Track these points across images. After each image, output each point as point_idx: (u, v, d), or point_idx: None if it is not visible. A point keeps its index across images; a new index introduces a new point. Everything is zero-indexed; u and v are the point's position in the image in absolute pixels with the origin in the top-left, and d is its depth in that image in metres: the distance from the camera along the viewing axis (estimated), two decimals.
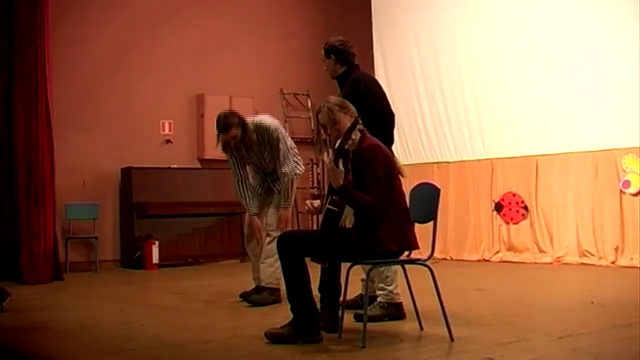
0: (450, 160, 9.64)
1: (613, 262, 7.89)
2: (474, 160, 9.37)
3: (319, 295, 4.35)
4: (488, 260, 8.98)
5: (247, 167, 5.80)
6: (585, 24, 8.25)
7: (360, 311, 4.36)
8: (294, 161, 5.76)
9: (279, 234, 4.86)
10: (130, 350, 4.10)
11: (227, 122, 5.51)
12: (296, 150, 5.90)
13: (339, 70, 5.17)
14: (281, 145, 5.61)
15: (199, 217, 9.67)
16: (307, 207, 4.41)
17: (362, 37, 10.03)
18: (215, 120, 5.64)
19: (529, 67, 8.73)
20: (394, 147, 4.99)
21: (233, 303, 5.76)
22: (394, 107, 5.17)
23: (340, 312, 4.26)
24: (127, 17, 9.70)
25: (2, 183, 7.96)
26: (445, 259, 9.29)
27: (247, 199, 5.73)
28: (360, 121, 4.04)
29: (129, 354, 4.03)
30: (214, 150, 6.20)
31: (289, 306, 4.10)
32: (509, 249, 8.92)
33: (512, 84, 8.93)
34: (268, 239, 5.60)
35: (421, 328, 4.35)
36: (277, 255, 4.24)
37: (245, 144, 5.60)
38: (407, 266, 4.28)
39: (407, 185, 4.26)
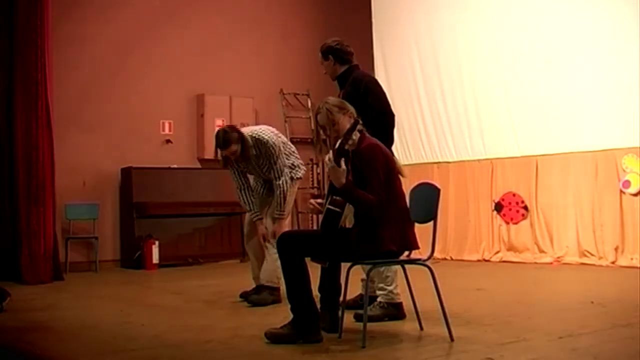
0: (450, 160, 9.64)
1: (613, 262, 7.89)
2: (474, 160, 9.37)
3: (319, 295, 4.35)
4: (488, 260, 8.98)
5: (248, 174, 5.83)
6: (585, 24, 8.25)
7: (360, 311, 4.36)
8: (296, 164, 5.78)
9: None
10: (130, 350, 4.11)
11: (227, 138, 5.48)
12: (297, 154, 5.91)
13: (338, 70, 5.17)
14: (279, 162, 5.62)
15: (199, 217, 9.66)
16: (311, 207, 4.41)
17: (362, 37, 10.04)
18: (214, 136, 5.61)
19: (529, 67, 8.73)
20: (394, 147, 5.00)
21: (233, 303, 5.76)
22: (394, 107, 5.18)
23: (340, 312, 4.26)
24: (127, 17, 9.70)
25: (2, 183, 7.97)
26: (445, 259, 9.29)
27: (251, 205, 5.74)
28: (360, 121, 4.05)
29: (129, 354, 4.03)
30: (214, 151, 6.19)
31: (289, 306, 4.10)
32: (509, 249, 8.92)
33: (512, 84, 8.92)
34: (270, 246, 5.60)
35: (421, 328, 4.35)
36: (277, 255, 4.25)
37: (245, 157, 5.60)
38: (407, 266, 4.28)
39: (407, 185, 4.26)
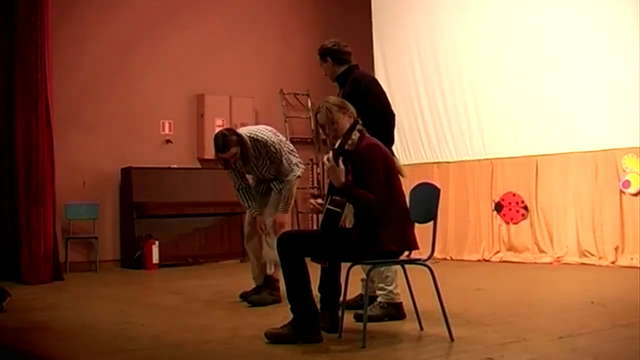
0: (450, 160, 9.64)
1: (613, 262, 7.88)
2: (474, 160, 9.37)
3: (319, 295, 4.35)
4: (488, 260, 8.97)
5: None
6: (585, 24, 8.25)
7: (360, 311, 4.36)
8: (294, 163, 5.77)
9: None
10: (130, 350, 4.11)
11: (226, 142, 5.44)
12: (296, 153, 5.91)
13: (338, 70, 5.18)
14: (284, 160, 5.62)
15: (199, 217, 9.66)
16: (311, 206, 4.41)
17: (362, 37, 10.05)
18: (213, 140, 5.57)
19: (529, 67, 8.73)
20: (394, 147, 5.00)
21: (233, 303, 5.76)
22: (394, 107, 5.18)
23: (340, 312, 4.26)
24: (127, 17, 9.70)
25: (2, 183, 7.97)
26: (445, 259, 9.29)
27: (249, 202, 5.77)
28: (360, 121, 4.05)
29: (129, 354, 4.03)
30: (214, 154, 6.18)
31: (289, 306, 4.10)
32: (509, 249, 8.92)
33: (512, 84, 8.92)
34: (268, 240, 5.60)
35: (421, 328, 4.35)
36: (275, 245, 4.25)
37: (244, 159, 5.59)
38: (407, 266, 4.28)
39: (407, 185, 4.26)
